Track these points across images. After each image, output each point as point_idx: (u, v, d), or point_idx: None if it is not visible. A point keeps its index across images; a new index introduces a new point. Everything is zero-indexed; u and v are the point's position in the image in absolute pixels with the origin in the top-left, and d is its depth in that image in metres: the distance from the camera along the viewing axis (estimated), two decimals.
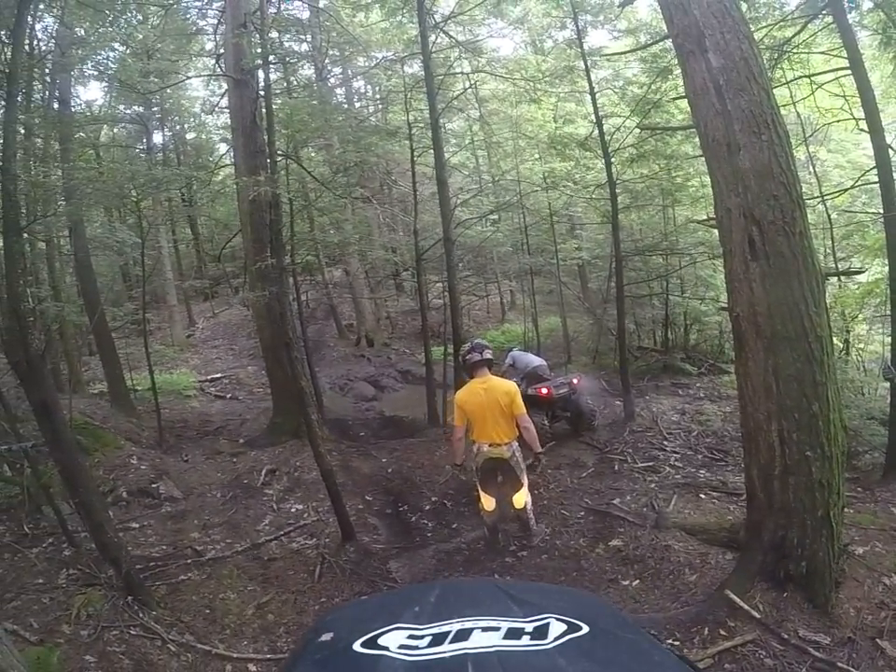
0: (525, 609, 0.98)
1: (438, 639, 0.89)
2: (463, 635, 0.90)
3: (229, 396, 13.32)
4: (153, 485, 7.18)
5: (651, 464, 7.12)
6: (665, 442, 7.68)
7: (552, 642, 0.89)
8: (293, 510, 6.78)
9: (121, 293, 17.86)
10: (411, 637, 0.92)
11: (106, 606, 4.24)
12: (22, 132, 5.99)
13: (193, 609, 4.64)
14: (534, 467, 5.69)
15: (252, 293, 8.45)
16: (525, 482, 5.45)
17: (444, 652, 0.86)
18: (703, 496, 6.03)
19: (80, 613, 4.14)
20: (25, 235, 5.24)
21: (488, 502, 5.42)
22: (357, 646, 0.92)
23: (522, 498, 5.45)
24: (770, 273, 3.61)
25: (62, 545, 5.28)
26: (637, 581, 4.71)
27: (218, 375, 14.91)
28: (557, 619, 0.94)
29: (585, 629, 0.93)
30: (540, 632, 0.91)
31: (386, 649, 0.89)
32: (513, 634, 0.91)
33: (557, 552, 5.44)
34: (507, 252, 14.52)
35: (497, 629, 0.91)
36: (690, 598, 4.24)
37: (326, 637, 1.03)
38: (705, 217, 9.36)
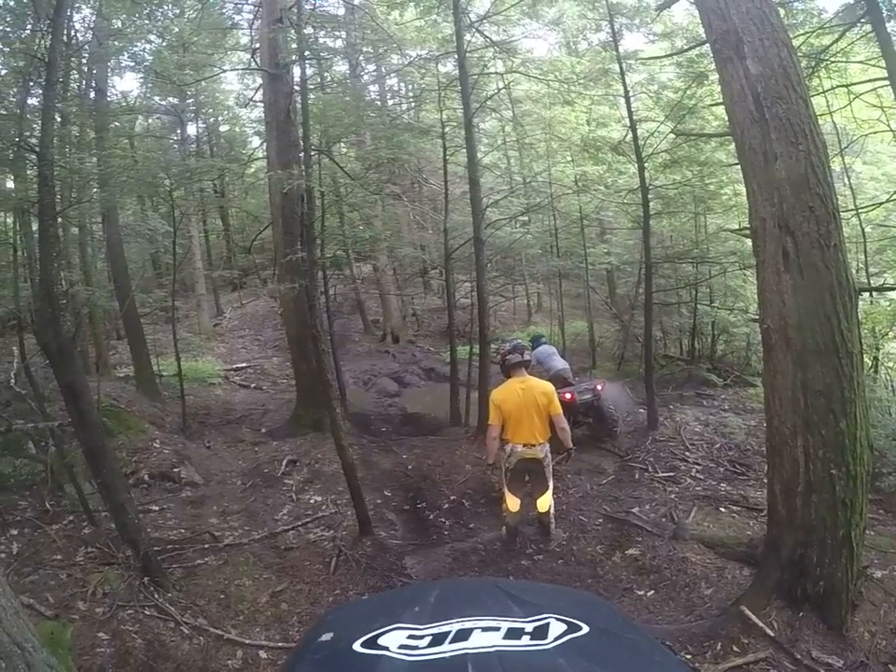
0: (525, 609, 0.98)
1: (438, 639, 0.89)
2: (463, 635, 0.90)
3: (253, 385, 13.45)
4: (174, 470, 7.29)
5: (671, 474, 7.05)
6: (687, 453, 7.58)
7: (552, 642, 0.88)
8: (312, 501, 6.84)
9: (151, 280, 18.17)
10: (411, 636, 0.92)
11: (122, 585, 4.32)
12: (59, 119, 6.15)
13: (208, 593, 4.71)
14: (565, 459, 5.70)
15: (282, 285, 8.53)
16: (552, 484, 5.44)
17: (444, 652, 0.86)
18: (723, 509, 5.96)
19: (96, 591, 4.23)
20: (59, 220, 5.35)
21: (514, 503, 5.41)
22: (357, 646, 0.92)
23: (546, 502, 5.46)
24: (802, 286, 3.55)
25: (81, 523, 5.39)
26: (653, 591, 4.68)
27: (243, 365, 15.07)
28: (557, 619, 0.94)
29: (585, 629, 0.92)
30: (540, 632, 0.91)
31: (386, 649, 0.89)
32: (513, 634, 0.90)
33: (573, 557, 5.42)
34: (535, 254, 14.43)
35: (497, 629, 0.91)
36: (704, 612, 4.20)
37: (326, 636, 1.03)
38: (737, 227, 9.23)
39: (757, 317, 4.89)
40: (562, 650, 0.87)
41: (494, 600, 1.03)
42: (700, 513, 5.88)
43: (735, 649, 3.46)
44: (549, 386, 5.39)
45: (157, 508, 6.42)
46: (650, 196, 8.96)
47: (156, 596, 4.33)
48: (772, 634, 3.44)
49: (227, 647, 4.09)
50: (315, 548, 5.73)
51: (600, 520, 6.08)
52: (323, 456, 7.93)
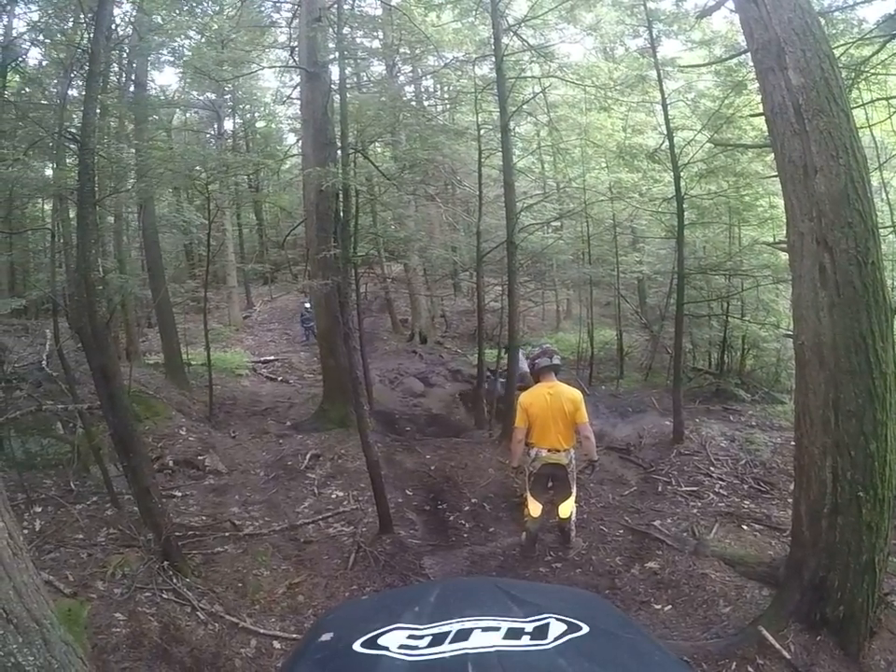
0: (525, 609, 0.97)
1: (438, 639, 0.89)
2: (463, 635, 0.90)
3: (279, 379, 13.63)
4: (199, 457, 7.44)
5: (695, 489, 6.93)
6: (712, 468, 7.43)
7: (552, 642, 0.88)
8: (333, 496, 6.91)
9: (183, 271, 18.58)
10: (411, 636, 0.92)
11: (142, 568, 4.41)
12: (99, 111, 6.34)
13: (226, 581, 4.78)
14: (589, 470, 5.65)
15: (315, 281, 8.62)
16: (575, 491, 5.40)
17: (444, 652, 0.86)
18: (745, 527, 5.83)
19: (115, 572, 4.33)
20: (98, 208, 5.52)
21: (535, 508, 5.37)
22: (356, 646, 0.92)
23: (568, 508, 5.41)
24: (839, 303, 3.46)
25: (104, 505, 5.53)
26: (670, 606, 4.61)
27: (271, 358, 15.29)
28: (557, 619, 0.94)
29: (585, 629, 0.92)
30: (540, 632, 0.90)
31: (386, 649, 0.89)
32: (513, 634, 0.90)
33: (592, 567, 5.37)
34: (567, 260, 14.35)
35: (497, 629, 0.91)
36: (721, 630, 4.13)
37: (326, 636, 1.03)
38: (772, 240, 9.06)
39: (789, 333, 4.79)
40: (562, 650, 0.87)
41: (494, 600, 1.03)
42: (722, 530, 5.77)
43: (749, 669, 3.39)
44: (577, 394, 5.32)
45: (180, 494, 6.57)
46: (684, 206, 8.84)
47: (174, 581, 4.42)
48: (788, 656, 3.37)
49: (241, 635, 4.15)
50: (335, 542, 5.79)
51: (621, 531, 6.02)
52: (346, 452, 8.00)
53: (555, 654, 0.86)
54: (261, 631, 4.25)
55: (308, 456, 7.94)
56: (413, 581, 5.18)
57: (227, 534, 5.59)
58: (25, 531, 4.64)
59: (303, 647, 1.08)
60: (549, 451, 5.20)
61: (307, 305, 16.83)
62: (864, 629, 3.45)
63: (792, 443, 4.17)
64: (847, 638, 3.44)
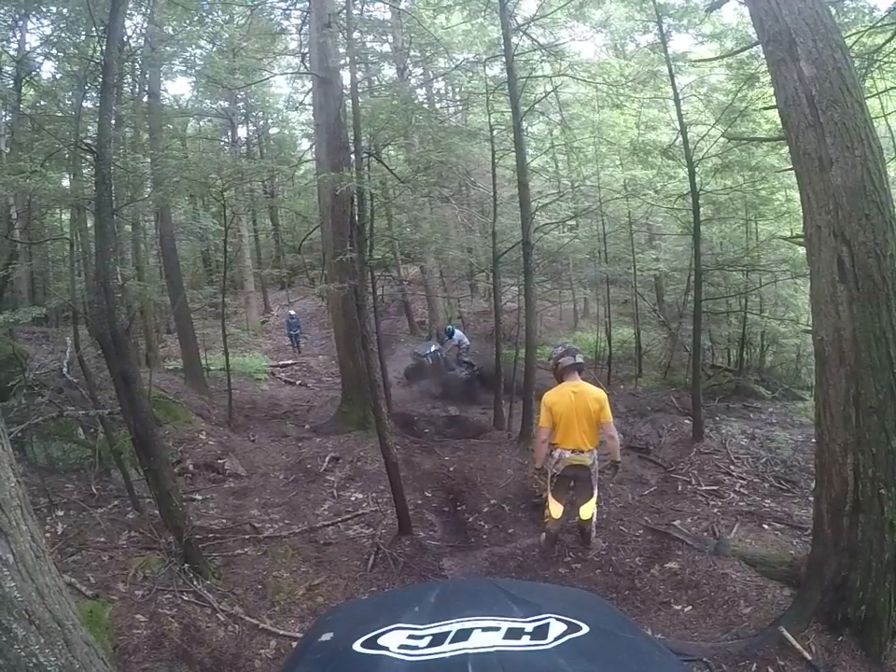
0: (525, 609, 0.97)
1: (438, 639, 0.89)
2: (463, 635, 0.89)
3: (298, 382, 13.73)
4: (219, 461, 7.51)
5: (715, 488, 6.86)
6: (732, 467, 7.35)
7: (552, 642, 0.88)
8: (353, 498, 6.94)
9: (201, 277, 18.79)
10: (411, 636, 0.91)
11: (163, 570, 4.47)
12: (113, 121, 6.47)
13: (246, 583, 4.82)
14: (611, 472, 5.60)
15: (332, 285, 8.67)
16: (596, 492, 5.36)
17: (444, 652, 0.86)
18: (766, 526, 5.76)
19: (137, 574, 4.39)
20: (115, 217, 5.63)
21: (557, 510, 5.32)
22: (356, 646, 0.92)
23: (590, 509, 5.35)
24: (858, 298, 3.40)
25: (126, 508, 5.60)
26: (690, 607, 4.56)
27: (289, 362, 15.45)
28: (557, 619, 0.93)
29: (585, 629, 0.92)
30: (540, 632, 0.90)
31: (386, 649, 0.89)
32: (513, 634, 0.90)
33: (612, 568, 5.32)
34: (583, 259, 14.27)
35: (497, 629, 0.91)
36: (741, 631, 4.07)
37: (326, 636, 1.03)
38: (789, 234, 8.94)
39: (808, 328, 4.72)
40: (562, 650, 0.86)
41: (494, 600, 1.03)
42: (742, 529, 5.70)
43: (770, 670, 3.35)
44: (601, 394, 5.27)
45: (200, 497, 6.63)
46: (700, 201, 8.75)
47: (195, 583, 4.47)
48: (809, 657, 3.32)
49: (261, 636, 4.19)
50: (354, 544, 5.81)
51: (640, 531, 5.96)
52: (365, 454, 8.03)
53: (555, 654, 0.86)
54: (281, 632, 4.28)
55: (327, 459, 7.98)
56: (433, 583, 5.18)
57: (247, 536, 5.64)
58: (48, 534, 4.71)
59: (303, 647, 1.09)
60: (573, 452, 5.15)
61: (292, 312, 17.21)
62: (887, 630, 3.38)
63: (813, 441, 4.10)
64: (868, 639, 3.38)
